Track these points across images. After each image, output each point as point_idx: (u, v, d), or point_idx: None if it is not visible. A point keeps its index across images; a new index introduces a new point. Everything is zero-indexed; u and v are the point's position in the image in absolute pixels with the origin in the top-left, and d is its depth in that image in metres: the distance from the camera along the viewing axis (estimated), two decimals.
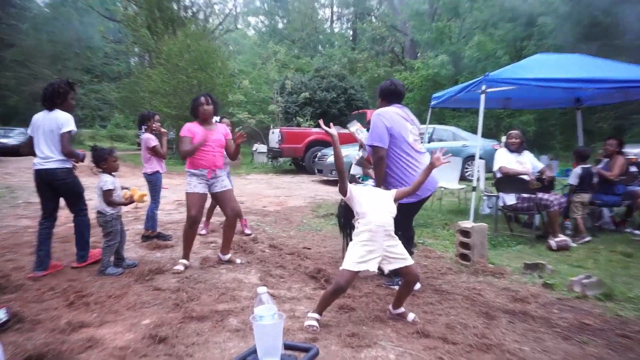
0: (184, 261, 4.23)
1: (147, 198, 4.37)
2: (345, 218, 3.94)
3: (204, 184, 4.26)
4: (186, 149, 4.21)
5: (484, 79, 5.87)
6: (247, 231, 5.75)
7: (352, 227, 3.12)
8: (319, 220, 6.86)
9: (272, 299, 2.11)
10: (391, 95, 3.86)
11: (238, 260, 4.45)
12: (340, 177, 3.06)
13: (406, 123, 3.76)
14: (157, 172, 5.21)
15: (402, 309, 3.15)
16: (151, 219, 5.25)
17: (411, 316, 3.11)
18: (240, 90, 22.36)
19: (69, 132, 3.93)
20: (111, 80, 33.69)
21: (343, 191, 3.08)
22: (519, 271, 4.26)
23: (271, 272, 4.15)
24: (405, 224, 3.62)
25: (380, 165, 3.65)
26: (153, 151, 5.16)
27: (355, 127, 4.45)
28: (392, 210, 3.06)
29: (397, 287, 3.48)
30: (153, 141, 5.15)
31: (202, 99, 4.27)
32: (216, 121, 4.48)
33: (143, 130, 5.26)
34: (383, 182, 3.68)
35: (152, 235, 5.25)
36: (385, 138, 3.62)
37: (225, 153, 4.43)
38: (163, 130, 5.38)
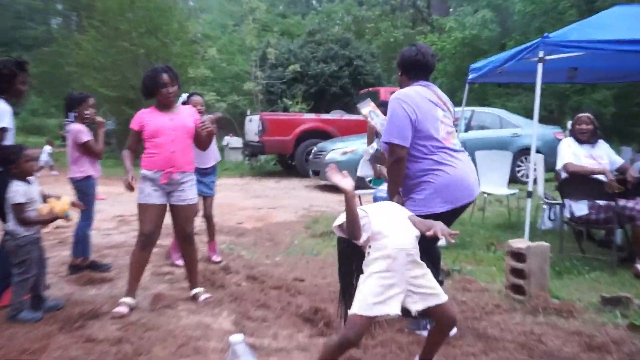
0: (129, 300, 4.22)
1: (73, 213, 4.33)
2: (347, 263, 3.72)
3: (161, 192, 4.27)
4: (126, 145, 4.34)
5: (541, 43, 5.89)
6: (216, 257, 5.75)
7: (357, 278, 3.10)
8: (316, 240, 6.86)
9: (251, 352, 2.10)
10: (416, 68, 3.85)
11: (202, 297, 4.44)
12: (353, 228, 3.02)
13: (436, 110, 3.73)
14: (90, 177, 5.21)
15: None
16: (82, 243, 5.23)
17: None
18: (205, 63, 22.43)
19: (3, 129, 4.02)
20: (24, 50, 33.63)
21: (356, 236, 3.05)
22: (594, 308, 4.26)
23: (250, 313, 4.14)
24: (427, 242, 3.57)
25: (398, 171, 3.64)
26: (84, 148, 5.15)
27: (368, 109, 4.45)
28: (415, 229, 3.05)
29: (425, 333, 3.46)
30: (85, 134, 5.14)
31: (165, 76, 4.26)
32: (183, 101, 4.46)
33: (72, 119, 5.26)
34: (399, 193, 3.70)
35: (84, 264, 5.24)
36: (408, 133, 3.59)
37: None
38: (99, 119, 5.38)
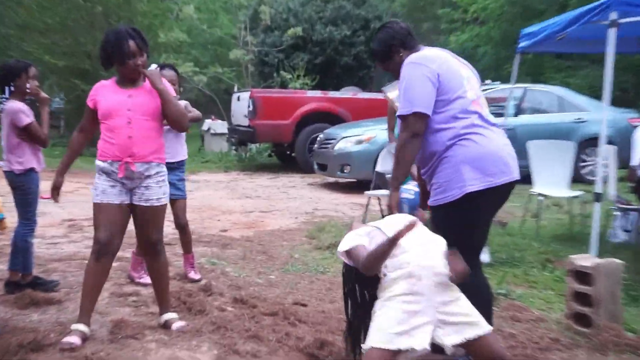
0: (82, 327, 4.22)
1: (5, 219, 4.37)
2: (354, 286, 3.71)
3: (120, 188, 4.30)
4: (79, 125, 4.47)
5: (614, 1, 5.88)
6: (194, 275, 5.78)
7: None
8: (322, 254, 6.88)
9: None
10: (413, 38, 4.01)
11: (176, 325, 4.46)
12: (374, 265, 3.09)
13: (460, 68, 3.86)
14: (31, 169, 5.24)
15: None
16: (22, 254, 5.26)
17: None
18: (179, 24, 22.46)
19: None
20: None
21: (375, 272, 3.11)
22: None
23: (237, 346, 4.14)
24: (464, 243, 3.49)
25: (411, 151, 3.70)
26: (26, 133, 5.17)
27: (395, 93, 4.49)
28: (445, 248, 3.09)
29: None
30: (26, 115, 5.16)
31: (132, 43, 4.23)
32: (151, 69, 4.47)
33: (6, 95, 5.27)
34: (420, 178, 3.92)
35: (25, 281, 5.26)
36: (431, 99, 3.64)
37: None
38: (43, 95, 5.39)
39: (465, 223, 3.61)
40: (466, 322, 2.98)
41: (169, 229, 6.82)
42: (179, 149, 5.78)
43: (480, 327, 2.99)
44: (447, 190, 3.58)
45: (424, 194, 4.09)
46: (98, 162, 4.31)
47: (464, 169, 3.56)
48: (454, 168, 3.59)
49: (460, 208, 3.56)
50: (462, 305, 2.99)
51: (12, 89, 5.23)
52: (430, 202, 3.71)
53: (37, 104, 5.42)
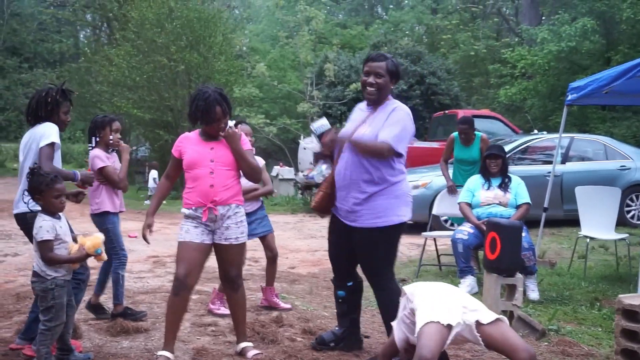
0: (167, 354, 4.32)
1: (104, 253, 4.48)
2: None
3: (203, 229, 4.40)
4: (165, 173, 4.72)
5: None
6: (283, 304, 6.00)
7: None
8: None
9: None
10: None
11: (251, 353, 4.52)
12: None
13: None
14: (106, 212, 5.39)
15: None
16: (115, 286, 5.41)
17: None
18: (252, 81, 22.88)
19: (52, 144, 4.36)
20: (49, 66, 35.25)
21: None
22: None
23: None
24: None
25: (377, 155, 4.32)
26: (103, 177, 5.34)
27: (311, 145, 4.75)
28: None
29: None
30: (101, 160, 5.33)
31: (219, 109, 4.37)
32: (229, 128, 4.65)
33: (93, 145, 5.47)
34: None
35: (116, 311, 5.40)
36: (406, 146, 4.43)
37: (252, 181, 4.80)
38: (123, 144, 5.56)
39: (395, 244, 4.48)
40: None
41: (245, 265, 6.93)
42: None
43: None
44: (387, 215, 4.33)
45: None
46: (184, 210, 4.45)
47: (402, 203, 4.42)
48: (396, 199, 4.38)
49: (394, 230, 4.38)
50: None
51: (97, 139, 5.44)
52: (367, 224, 4.34)
53: (118, 151, 5.61)
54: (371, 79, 4.35)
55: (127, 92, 20.19)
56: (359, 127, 4.41)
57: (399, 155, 4.33)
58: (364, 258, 4.49)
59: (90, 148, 5.48)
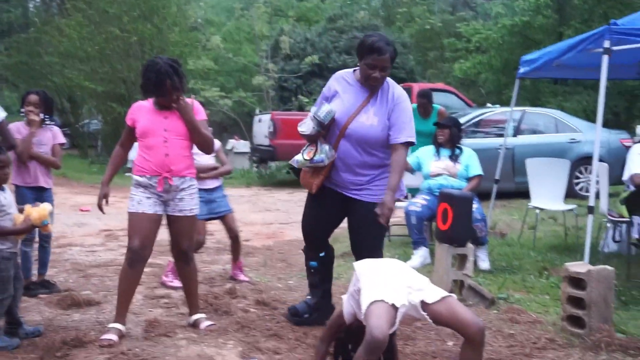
0: (118, 326, 4.29)
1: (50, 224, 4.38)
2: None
3: (155, 200, 4.36)
4: (119, 141, 4.61)
5: (607, 31, 5.90)
6: (244, 277, 6.02)
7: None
8: (336, 262, 6.85)
9: None
10: None
11: (204, 325, 4.52)
12: None
13: None
14: (21, 186, 5.35)
15: None
16: (25, 261, 5.31)
17: None
18: (207, 53, 22.62)
19: None
20: None
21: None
22: None
23: (259, 344, 4.19)
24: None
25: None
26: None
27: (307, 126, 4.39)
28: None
29: None
30: (17, 132, 5.27)
31: (169, 82, 4.26)
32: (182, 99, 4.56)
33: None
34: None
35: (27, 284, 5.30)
36: None
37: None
38: (33, 117, 5.35)
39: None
40: None
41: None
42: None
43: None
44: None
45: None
46: (136, 177, 4.38)
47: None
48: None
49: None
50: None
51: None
52: (371, 199, 4.26)
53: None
54: (377, 74, 4.19)
55: (78, 64, 19.79)
56: (361, 113, 4.25)
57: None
58: (365, 233, 4.38)
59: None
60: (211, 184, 5.90)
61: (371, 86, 4.28)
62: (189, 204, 4.47)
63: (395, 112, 4.24)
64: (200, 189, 5.59)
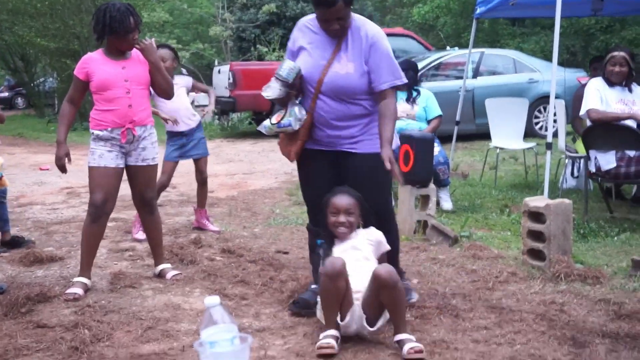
0: (83, 279, 4.28)
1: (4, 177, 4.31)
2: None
3: (117, 152, 4.30)
4: (68, 97, 4.39)
5: None
6: (213, 227, 6.02)
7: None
8: (301, 208, 6.90)
9: (229, 315, 2.18)
10: None
11: (170, 274, 4.54)
12: None
13: None
14: None
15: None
16: None
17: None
18: (162, 6, 22.16)
19: None
20: None
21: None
22: (624, 273, 4.38)
23: (226, 290, 4.22)
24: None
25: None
26: None
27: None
28: None
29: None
30: None
31: (132, 20, 4.16)
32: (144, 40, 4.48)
33: None
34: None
35: None
36: None
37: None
38: None
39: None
40: None
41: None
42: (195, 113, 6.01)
43: None
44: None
45: None
46: (95, 131, 4.26)
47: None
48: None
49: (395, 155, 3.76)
50: None
51: None
52: (369, 149, 3.77)
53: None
54: (335, 26, 3.67)
55: (29, 21, 19.24)
56: (334, 63, 3.74)
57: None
58: (367, 187, 3.77)
59: None
60: (185, 126, 5.82)
61: (335, 36, 3.77)
62: (151, 152, 4.43)
63: (372, 54, 3.71)
64: (175, 133, 5.60)
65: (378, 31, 3.79)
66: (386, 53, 3.74)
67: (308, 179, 4.05)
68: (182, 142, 5.82)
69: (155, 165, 4.52)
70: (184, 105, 5.80)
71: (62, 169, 4.42)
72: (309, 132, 3.83)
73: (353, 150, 3.81)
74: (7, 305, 3.93)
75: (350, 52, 3.73)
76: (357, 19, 3.80)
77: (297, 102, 3.86)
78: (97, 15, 4.24)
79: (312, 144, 3.86)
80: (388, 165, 3.51)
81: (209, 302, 2.34)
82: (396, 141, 3.94)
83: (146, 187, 4.48)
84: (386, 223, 3.85)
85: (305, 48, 3.84)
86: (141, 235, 5.48)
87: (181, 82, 5.89)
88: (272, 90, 3.78)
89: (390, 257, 3.76)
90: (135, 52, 4.40)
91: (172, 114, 5.68)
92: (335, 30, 3.70)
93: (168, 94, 4.58)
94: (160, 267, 4.59)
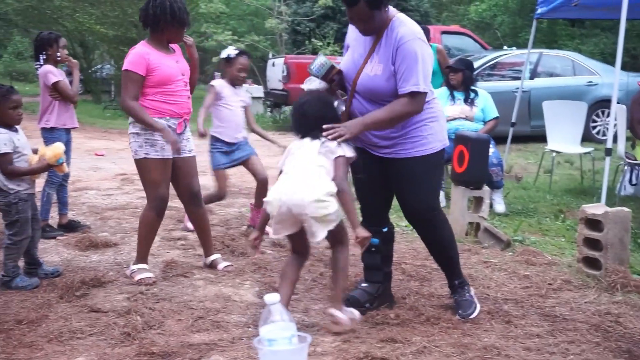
0: (144, 266, 4.37)
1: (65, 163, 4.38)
2: None
3: (166, 144, 4.31)
4: (130, 95, 4.19)
5: None
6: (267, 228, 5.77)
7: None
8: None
9: (288, 313, 2.19)
10: None
11: (222, 265, 4.58)
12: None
13: None
14: (59, 128, 5.41)
15: None
16: (41, 202, 5.37)
17: None
18: None
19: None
20: None
21: None
22: None
23: (276, 284, 4.17)
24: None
25: (401, 121, 3.65)
26: (56, 91, 5.34)
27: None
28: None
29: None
30: (54, 75, 5.35)
31: (177, 5, 4.19)
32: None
33: (41, 63, 5.46)
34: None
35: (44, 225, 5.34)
36: None
37: None
38: (73, 60, 5.63)
39: (441, 171, 4.04)
40: None
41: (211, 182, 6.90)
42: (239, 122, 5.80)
43: None
44: (433, 141, 3.69)
45: None
46: (155, 119, 4.21)
47: (442, 124, 3.80)
48: (436, 122, 3.72)
49: (439, 157, 3.77)
50: None
51: (45, 57, 5.42)
52: (410, 154, 3.67)
53: (69, 67, 5.74)
54: (360, 26, 3.59)
55: (89, 8, 19.57)
56: (367, 63, 3.65)
57: (423, 94, 3.55)
58: (411, 193, 3.74)
59: (39, 66, 5.46)
60: (234, 139, 5.65)
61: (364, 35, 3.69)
62: (192, 144, 4.54)
63: (398, 56, 3.53)
64: (219, 139, 5.56)
65: (409, 34, 3.54)
66: (409, 57, 3.51)
67: (357, 176, 3.96)
68: (226, 149, 5.65)
69: (195, 157, 4.58)
70: (241, 121, 5.72)
71: (179, 150, 4.31)
72: None
73: (391, 156, 3.74)
74: (63, 288, 4.03)
75: (381, 53, 3.62)
76: (397, 19, 3.62)
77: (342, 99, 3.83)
78: (161, 5, 4.17)
79: (358, 142, 3.78)
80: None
81: (269, 299, 2.36)
82: (444, 142, 3.80)
83: (193, 178, 4.52)
84: (434, 230, 3.81)
85: (350, 45, 3.84)
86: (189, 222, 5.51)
87: (246, 99, 5.81)
88: (311, 84, 3.82)
89: (445, 266, 3.84)
90: (176, 47, 4.47)
91: (228, 123, 5.60)
92: (362, 30, 3.62)
93: (193, 89, 4.64)
94: (212, 257, 4.63)
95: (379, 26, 3.58)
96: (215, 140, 5.65)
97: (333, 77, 3.75)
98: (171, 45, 4.42)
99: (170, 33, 4.29)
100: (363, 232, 3.45)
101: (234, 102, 5.61)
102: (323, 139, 3.46)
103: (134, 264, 4.38)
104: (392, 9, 3.65)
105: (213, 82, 5.72)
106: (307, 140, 3.52)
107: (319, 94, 3.64)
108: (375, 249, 3.88)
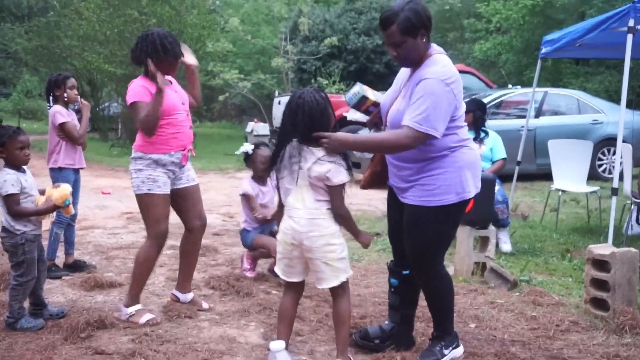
0: (141, 307, 4.35)
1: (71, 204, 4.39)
2: None
3: (169, 179, 4.34)
4: (146, 115, 4.16)
5: (632, 9, 5.85)
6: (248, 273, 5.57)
7: None
8: (357, 244, 6.87)
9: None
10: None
11: (205, 305, 4.59)
12: None
13: None
14: (67, 168, 5.44)
15: None
16: (48, 241, 5.38)
17: None
18: (225, 35, 22.60)
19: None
20: (17, 20, 34.35)
21: None
22: None
23: None
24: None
25: (396, 152, 3.62)
26: (63, 132, 5.39)
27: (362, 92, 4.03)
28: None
29: None
30: (62, 116, 5.39)
31: (168, 40, 4.21)
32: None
33: (51, 104, 5.52)
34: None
35: (50, 265, 5.34)
36: (447, 122, 3.46)
37: None
38: (84, 102, 5.67)
39: (453, 225, 3.70)
40: None
41: (217, 220, 6.93)
42: None
43: None
44: (445, 193, 3.50)
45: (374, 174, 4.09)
46: (159, 156, 4.24)
47: (466, 175, 3.54)
48: (456, 172, 3.52)
49: (451, 211, 3.56)
50: None
51: (53, 97, 5.51)
52: (417, 202, 3.57)
53: (78, 108, 5.72)
54: (391, 51, 3.52)
55: (97, 47, 19.77)
56: (398, 98, 3.61)
57: (432, 137, 3.38)
58: (410, 239, 3.67)
59: (49, 106, 5.53)
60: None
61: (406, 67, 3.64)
62: (193, 172, 4.57)
63: (415, 92, 3.41)
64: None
65: (432, 73, 3.40)
66: (421, 94, 3.37)
67: (390, 214, 4.02)
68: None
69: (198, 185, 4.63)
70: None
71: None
72: (380, 162, 3.89)
73: (404, 200, 3.67)
74: (68, 330, 4.01)
75: (408, 89, 3.53)
76: (433, 58, 3.51)
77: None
78: (152, 41, 4.20)
79: (390, 180, 3.82)
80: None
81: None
82: (463, 194, 3.61)
83: (201, 205, 4.58)
84: (427, 281, 3.74)
85: (395, 80, 3.80)
86: (251, 273, 5.46)
87: (271, 190, 5.57)
88: (354, 114, 3.90)
89: (433, 315, 3.83)
90: (171, 78, 4.46)
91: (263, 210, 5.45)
92: (395, 57, 3.53)
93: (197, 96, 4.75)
94: (191, 295, 4.63)
95: (414, 58, 3.50)
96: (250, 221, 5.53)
97: (369, 108, 3.80)
98: (167, 77, 4.39)
99: (165, 67, 4.26)
100: (365, 239, 3.74)
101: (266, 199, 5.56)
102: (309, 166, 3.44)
103: (128, 307, 4.32)
104: (435, 47, 3.60)
105: (243, 191, 5.51)
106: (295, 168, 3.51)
107: (319, 93, 3.60)
108: (394, 289, 3.94)
